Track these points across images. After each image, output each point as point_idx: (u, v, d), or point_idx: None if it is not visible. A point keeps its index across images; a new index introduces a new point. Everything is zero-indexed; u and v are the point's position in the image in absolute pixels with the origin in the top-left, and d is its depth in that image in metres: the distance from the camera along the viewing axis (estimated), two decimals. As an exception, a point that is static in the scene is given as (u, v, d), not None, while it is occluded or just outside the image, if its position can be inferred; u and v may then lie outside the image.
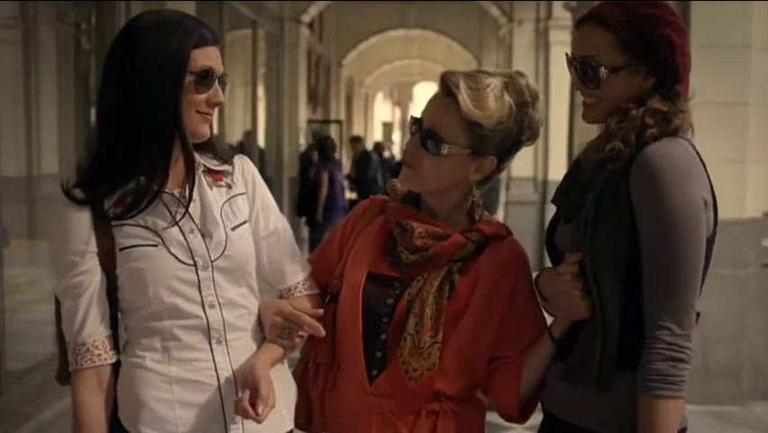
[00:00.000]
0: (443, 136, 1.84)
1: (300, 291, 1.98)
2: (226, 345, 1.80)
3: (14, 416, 3.74)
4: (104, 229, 1.74)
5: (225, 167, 1.90)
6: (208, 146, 1.87)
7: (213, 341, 1.79)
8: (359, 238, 1.98)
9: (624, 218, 1.74)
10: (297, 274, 1.98)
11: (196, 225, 1.80)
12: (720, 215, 1.85)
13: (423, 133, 1.86)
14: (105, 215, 1.75)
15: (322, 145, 10.39)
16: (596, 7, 1.86)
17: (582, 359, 1.79)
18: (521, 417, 1.93)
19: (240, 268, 1.84)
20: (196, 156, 1.82)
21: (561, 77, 10.01)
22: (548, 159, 10.54)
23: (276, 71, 11.51)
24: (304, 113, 12.51)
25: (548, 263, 1.98)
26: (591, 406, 1.80)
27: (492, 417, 1.98)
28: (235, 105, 11.63)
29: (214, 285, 1.79)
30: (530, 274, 1.95)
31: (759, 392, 5.26)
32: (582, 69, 1.84)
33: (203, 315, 1.78)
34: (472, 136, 1.84)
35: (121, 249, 1.75)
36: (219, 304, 1.80)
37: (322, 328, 1.87)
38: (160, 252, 1.75)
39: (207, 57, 1.77)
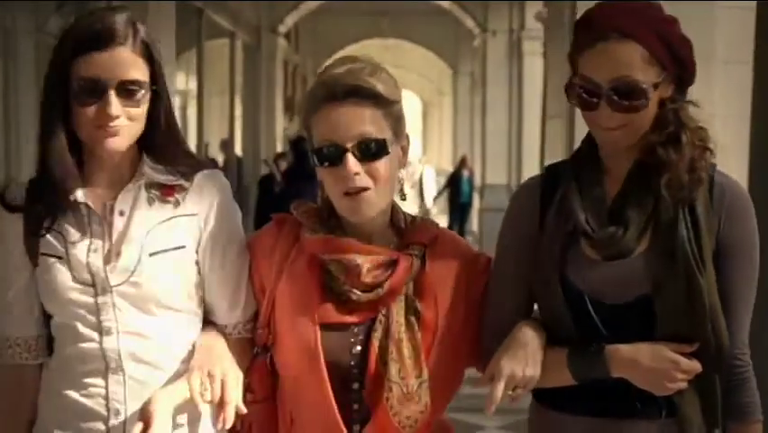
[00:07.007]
0: (380, 138, 1.63)
1: (239, 333, 1.74)
2: (123, 375, 1.63)
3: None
4: (33, 232, 1.65)
5: (181, 182, 1.68)
6: (167, 158, 1.68)
7: (110, 370, 1.63)
8: (281, 281, 1.70)
9: (710, 253, 1.62)
10: (235, 315, 1.73)
11: (104, 244, 1.64)
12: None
13: (361, 148, 1.61)
14: (38, 217, 1.64)
15: (298, 148, 8.02)
16: (607, 19, 1.58)
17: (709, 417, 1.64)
18: None
19: (151, 297, 1.64)
20: (146, 168, 1.66)
21: (533, 86, 10.20)
22: (521, 166, 10.71)
23: (253, 81, 11.60)
24: (281, 122, 12.59)
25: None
26: None
27: (466, 417, 1.89)
28: (212, 115, 11.69)
29: (114, 311, 1.63)
30: (475, 263, 1.75)
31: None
32: (625, 91, 1.57)
33: (98, 340, 1.63)
34: (392, 120, 1.65)
35: (41, 254, 1.65)
36: (118, 332, 1.63)
37: (232, 420, 1.59)
38: (62, 266, 1.63)
39: (90, 65, 1.57)
